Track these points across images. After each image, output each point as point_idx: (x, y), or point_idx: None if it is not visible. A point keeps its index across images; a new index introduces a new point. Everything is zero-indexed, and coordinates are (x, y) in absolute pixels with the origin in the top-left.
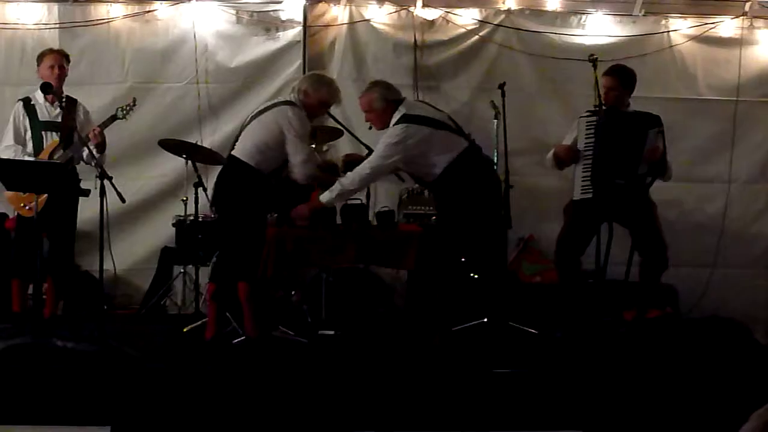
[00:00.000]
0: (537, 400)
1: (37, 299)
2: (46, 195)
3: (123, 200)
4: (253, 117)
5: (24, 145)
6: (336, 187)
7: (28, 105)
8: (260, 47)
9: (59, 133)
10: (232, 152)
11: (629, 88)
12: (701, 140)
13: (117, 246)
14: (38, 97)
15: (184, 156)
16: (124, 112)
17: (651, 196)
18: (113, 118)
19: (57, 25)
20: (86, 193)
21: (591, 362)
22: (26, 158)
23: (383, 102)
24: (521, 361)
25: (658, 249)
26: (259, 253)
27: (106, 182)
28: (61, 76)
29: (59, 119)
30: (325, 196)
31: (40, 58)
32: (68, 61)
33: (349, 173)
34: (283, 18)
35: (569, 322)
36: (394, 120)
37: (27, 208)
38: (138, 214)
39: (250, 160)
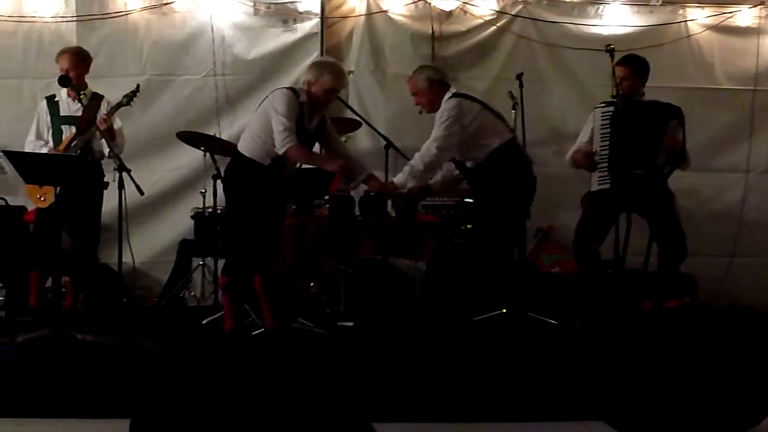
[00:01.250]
0: (557, 391)
1: (56, 292)
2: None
3: (142, 193)
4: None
5: (45, 140)
6: (406, 170)
7: (51, 102)
8: (278, 39)
9: (77, 127)
10: (238, 146)
11: (642, 77)
12: (719, 130)
13: (136, 238)
14: (62, 93)
15: (203, 148)
16: (128, 98)
17: (669, 186)
18: (119, 105)
19: (74, 18)
20: (105, 185)
21: (610, 352)
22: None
23: (428, 82)
24: (540, 352)
25: (676, 238)
26: (271, 244)
27: (124, 175)
28: (79, 75)
29: (78, 113)
30: (398, 179)
31: (58, 55)
32: (84, 58)
33: (416, 154)
34: (301, 9)
35: (588, 312)
36: (445, 98)
37: (42, 199)
38: (156, 207)
39: (249, 152)
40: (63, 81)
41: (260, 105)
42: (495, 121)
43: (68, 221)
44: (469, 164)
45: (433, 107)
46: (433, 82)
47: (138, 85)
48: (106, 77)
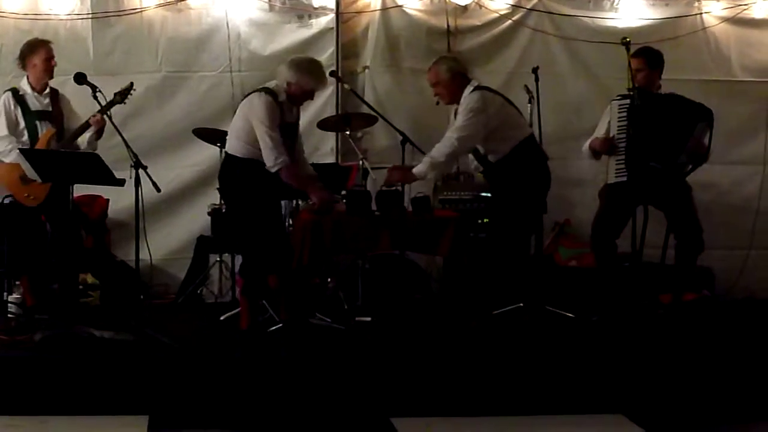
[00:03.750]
0: (575, 384)
1: (75, 289)
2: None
3: (158, 190)
4: (233, 109)
5: (17, 135)
6: (426, 161)
7: (17, 95)
8: (293, 35)
9: (52, 123)
10: (225, 148)
11: (657, 69)
12: (736, 122)
13: (153, 235)
14: (25, 87)
15: (219, 145)
16: (122, 96)
17: (687, 179)
18: (112, 102)
19: (89, 15)
20: (121, 182)
21: (628, 345)
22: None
23: (450, 73)
24: (558, 345)
25: (693, 232)
26: (281, 241)
27: (141, 172)
28: (53, 67)
29: (49, 108)
30: (417, 169)
31: (35, 47)
32: None
33: (436, 145)
34: (316, 5)
35: (606, 305)
36: (467, 92)
37: (31, 198)
38: (173, 204)
39: (236, 152)
40: (80, 78)
41: (240, 107)
42: (517, 115)
43: (52, 217)
44: (491, 158)
45: (453, 99)
46: (456, 74)
47: (131, 83)
48: (122, 74)
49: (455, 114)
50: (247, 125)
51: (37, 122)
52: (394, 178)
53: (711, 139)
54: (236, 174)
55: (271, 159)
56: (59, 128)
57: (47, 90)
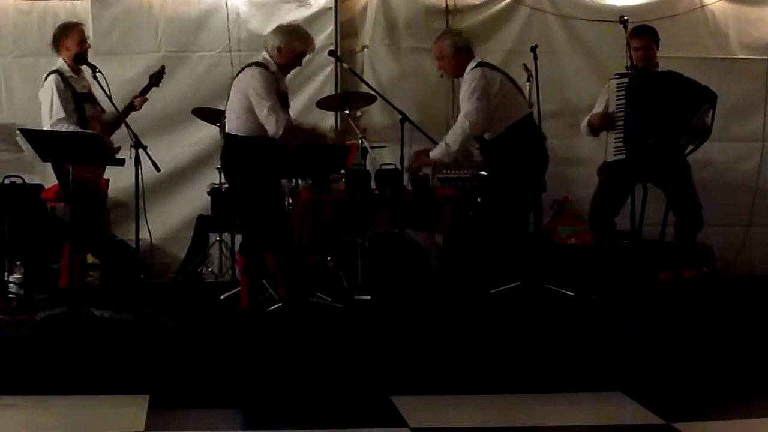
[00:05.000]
0: (574, 362)
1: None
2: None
3: (158, 169)
4: (230, 88)
5: (69, 118)
6: (442, 145)
7: (63, 77)
8: (292, 14)
9: (94, 105)
10: (226, 129)
11: (657, 47)
12: (734, 99)
13: (153, 215)
14: (65, 69)
15: (218, 124)
16: (157, 78)
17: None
18: (150, 86)
19: None
20: (121, 162)
21: (627, 323)
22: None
23: (453, 48)
24: (557, 323)
25: (692, 209)
26: (279, 223)
27: (141, 152)
28: (87, 49)
29: (88, 90)
30: (434, 153)
31: (68, 30)
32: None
33: (450, 132)
34: None
35: (605, 283)
36: (469, 68)
37: (93, 178)
38: (173, 183)
39: (241, 131)
40: (80, 59)
41: (233, 83)
42: (516, 93)
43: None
44: (487, 135)
45: (456, 73)
46: (460, 49)
47: (163, 66)
48: (121, 54)
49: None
50: (245, 101)
51: (84, 104)
52: (423, 162)
53: (713, 120)
54: (237, 152)
55: (272, 124)
56: (101, 109)
57: (82, 72)
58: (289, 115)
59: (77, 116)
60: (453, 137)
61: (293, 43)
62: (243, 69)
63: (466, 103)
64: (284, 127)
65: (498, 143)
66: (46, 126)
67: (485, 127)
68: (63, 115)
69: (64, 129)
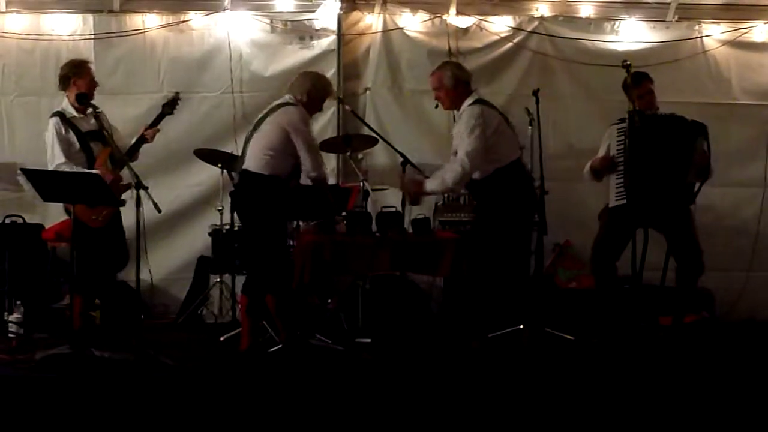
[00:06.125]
0: (576, 406)
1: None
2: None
3: (159, 210)
4: (256, 127)
5: (74, 159)
6: (438, 181)
7: (65, 119)
8: (295, 56)
9: (103, 142)
10: (244, 166)
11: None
12: (736, 144)
13: (153, 255)
14: (69, 109)
15: (220, 165)
16: (170, 107)
17: None
18: (163, 114)
19: (92, 36)
20: (122, 203)
21: (628, 368)
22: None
23: (454, 80)
24: (558, 367)
25: (693, 254)
26: (283, 264)
27: (142, 192)
28: (95, 88)
29: (96, 128)
30: (431, 185)
31: (79, 69)
32: None
33: (448, 167)
34: (318, 26)
35: (606, 327)
36: (466, 103)
37: (98, 219)
38: (174, 224)
39: (263, 169)
40: (82, 99)
41: (265, 120)
42: (510, 135)
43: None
44: (475, 175)
45: (453, 106)
46: (459, 82)
47: (178, 93)
48: (124, 94)
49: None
50: (282, 136)
51: (91, 143)
52: (418, 191)
53: (710, 149)
54: (253, 191)
55: (317, 165)
56: (110, 146)
57: (90, 110)
58: None
59: (85, 155)
60: (452, 174)
61: (324, 87)
62: (273, 109)
63: (466, 140)
64: (325, 174)
65: (486, 183)
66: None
67: (481, 166)
68: (63, 160)
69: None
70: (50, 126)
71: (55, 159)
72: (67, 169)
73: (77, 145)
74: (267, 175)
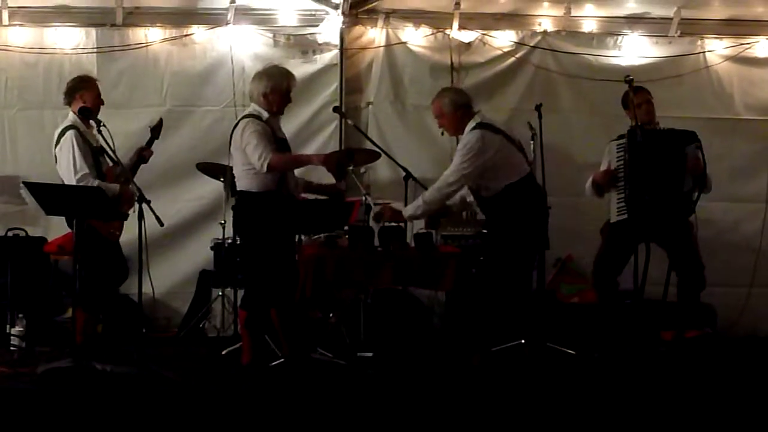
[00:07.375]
0: (577, 421)
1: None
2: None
3: (161, 224)
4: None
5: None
6: (419, 204)
7: (80, 132)
8: (297, 70)
9: (109, 159)
10: (237, 188)
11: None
12: (738, 160)
13: (155, 269)
14: (78, 124)
15: (222, 179)
16: (157, 131)
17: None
18: (152, 140)
19: (95, 50)
20: (125, 217)
21: (630, 383)
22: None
23: (452, 106)
24: (560, 382)
25: (695, 269)
26: (288, 277)
27: (144, 206)
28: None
29: (101, 143)
30: (408, 210)
31: (87, 84)
32: None
33: (432, 188)
34: (320, 41)
35: (608, 342)
36: (469, 127)
37: (117, 233)
38: (176, 238)
39: (251, 187)
40: (87, 113)
41: (231, 142)
42: (515, 154)
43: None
44: (483, 193)
45: (457, 131)
46: (458, 106)
47: (161, 119)
48: (126, 108)
49: (457, 141)
50: (241, 155)
51: (100, 158)
52: (385, 214)
53: (704, 159)
54: (249, 209)
55: (255, 158)
56: (114, 162)
57: (94, 126)
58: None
59: (96, 171)
60: (431, 195)
61: (276, 83)
62: (235, 126)
63: (457, 158)
64: (269, 159)
65: (496, 201)
66: (71, 182)
67: (468, 184)
68: (86, 170)
69: (89, 184)
70: (68, 138)
71: (78, 170)
72: (92, 180)
73: (91, 158)
74: (258, 192)
